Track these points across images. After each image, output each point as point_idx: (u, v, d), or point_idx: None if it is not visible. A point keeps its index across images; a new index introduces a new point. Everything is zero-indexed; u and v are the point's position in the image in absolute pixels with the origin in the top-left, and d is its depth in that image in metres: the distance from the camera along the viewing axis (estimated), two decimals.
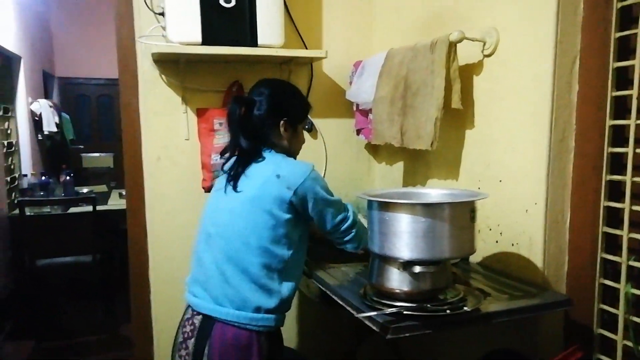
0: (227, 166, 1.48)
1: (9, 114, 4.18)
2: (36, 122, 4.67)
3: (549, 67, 1.35)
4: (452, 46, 1.53)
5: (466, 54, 1.58)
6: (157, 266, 2.03)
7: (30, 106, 4.59)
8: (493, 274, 1.50)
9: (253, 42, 1.83)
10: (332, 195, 1.44)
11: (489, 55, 1.54)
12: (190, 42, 1.78)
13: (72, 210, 3.58)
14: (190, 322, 1.39)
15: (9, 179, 3.92)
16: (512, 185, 1.48)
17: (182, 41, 1.78)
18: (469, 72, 1.61)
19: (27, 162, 4.48)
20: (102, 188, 4.61)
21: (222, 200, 1.43)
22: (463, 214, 1.16)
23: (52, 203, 3.55)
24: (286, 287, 1.39)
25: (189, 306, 1.43)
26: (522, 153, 1.44)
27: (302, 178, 1.37)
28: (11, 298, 3.51)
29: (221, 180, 1.48)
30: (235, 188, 1.40)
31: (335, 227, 1.44)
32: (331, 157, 2.19)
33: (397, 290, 1.19)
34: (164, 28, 1.86)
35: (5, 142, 3.95)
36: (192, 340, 1.36)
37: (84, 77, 6.35)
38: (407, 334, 1.11)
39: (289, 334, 2.16)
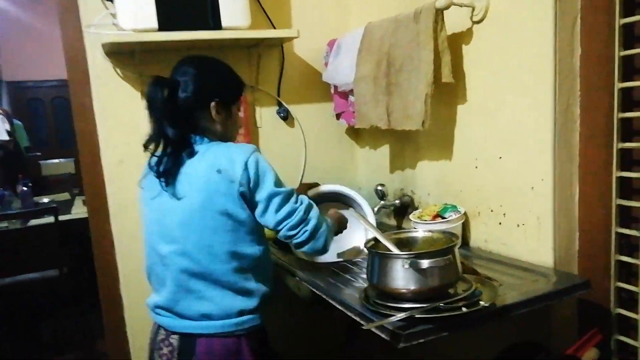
0: (153, 160, 1.26)
1: None
2: None
3: (549, 30, 1.23)
4: (439, 14, 1.39)
5: (452, 22, 1.45)
6: (128, 280, 1.85)
7: None
8: (499, 258, 1.40)
9: (216, 25, 1.66)
10: (280, 184, 1.24)
11: (478, 22, 1.41)
12: (145, 28, 1.59)
13: (33, 222, 3.32)
14: (167, 342, 1.25)
15: None
16: (514, 162, 1.36)
17: (136, 28, 1.58)
18: (456, 42, 1.48)
19: None
20: (65, 196, 4.34)
21: (165, 210, 1.23)
22: None
23: (9, 217, 3.28)
24: (264, 283, 1.28)
25: (159, 326, 1.28)
26: (524, 126, 1.32)
27: (242, 163, 1.19)
28: None
29: (153, 183, 1.26)
30: (173, 191, 1.21)
31: (280, 222, 1.22)
32: (311, 146, 2.04)
33: (404, 290, 1.06)
34: (114, 15, 1.65)
35: None
36: None
37: (34, 79, 5.95)
38: (422, 340, 0.99)
39: (277, 334, 2.02)
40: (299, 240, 1.25)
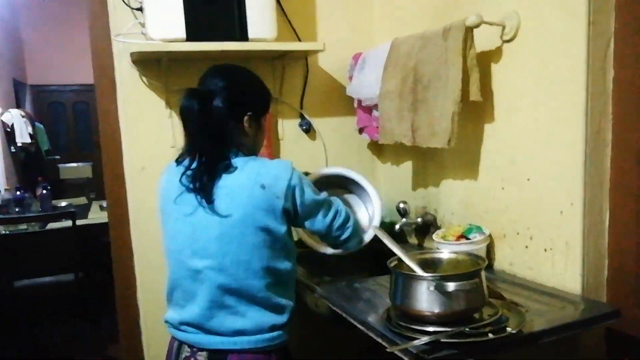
0: (185, 178, 1.22)
1: None
2: (8, 133, 4.41)
3: (581, 51, 1.21)
4: (468, 32, 1.38)
5: (481, 39, 1.43)
6: (145, 287, 1.85)
7: (1, 117, 4.34)
8: (524, 282, 1.36)
9: (243, 36, 1.66)
10: (319, 193, 1.29)
11: (509, 41, 1.39)
12: (173, 38, 1.60)
13: (51, 226, 3.35)
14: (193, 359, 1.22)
15: None
16: (543, 184, 1.33)
17: (164, 38, 1.60)
18: (485, 60, 1.46)
19: (0, 177, 4.22)
20: (82, 200, 4.38)
21: (200, 224, 1.19)
22: None
23: (29, 220, 3.32)
24: (292, 297, 1.29)
25: (181, 343, 1.25)
26: (553, 148, 1.29)
27: (287, 180, 1.20)
28: None
29: (188, 199, 1.22)
30: (212, 207, 1.17)
31: (329, 226, 1.30)
32: (332, 160, 2.03)
33: (428, 313, 1.04)
34: (142, 25, 1.67)
35: None
36: None
37: (58, 84, 6.06)
38: None
39: (294, 351, 1.99)
40: (346, 235, 1.34)
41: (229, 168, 1.20)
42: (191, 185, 1.21)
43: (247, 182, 1.18)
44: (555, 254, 1.31)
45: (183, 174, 1.22)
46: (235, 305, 1.19)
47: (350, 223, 1.34)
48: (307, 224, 1.28)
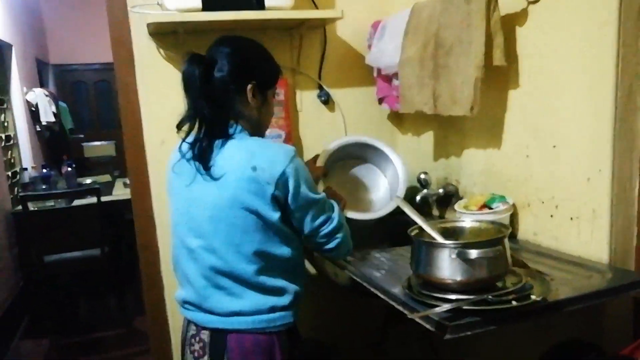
0: (184, 146, 1.21)
1: (5, 106, 4.00)
2: (33, 112, 4.49)
3: (612, 10, 1.14)
4: None
5: (505, 2, 1.38)
6: (168, 260, 1.85)
7: (26, 96, 4.41)
8: (549, 252, 1.33)
9: (259, 5, 1.63)
10: (316, 192, 1.22)
11: (534, 2, 1.33)
12: (189, 8, 1.59)
13: (76, 202, 3.43)
14: (198, 338, 1.22)
15: (9, 173, 3.77)
16: (569, 151, 1.29)
17: (180, 8, 1.58)
18: (510, 23, 1.40)
19: (27, 155, 4.32)
20: (106, 177, 4.46)
21: (195, 202, 1.18)
22: None
23: (56, 197, 3.40)
24: (296, 281, 1.25)
25: (189, 321, 1.26)
26: (581, 113, 1.24)
27: (282, 167, 1.14)
28: (23, 295, 3.41)
29: (187, 169, 1.20)
30: (207, 169, 1.15)
31: (315, 230, 1.22)
32: (351, 131, 2.00)
33: (449, 281, 1.02)
34: None
35: (3, 135, 3.78)
36: (206, 357, 1.20)
37: (79, 63, 6.12)
38: (469, 332, 0.95)
39: (311, 323, 2.01)
40: (331, 246, 1.25)
41: (227, 138, 1.18)
42: (189, 153, 1.19)
43: (240, 161, 1.14)
44: (581, 222, 1.28)
45: (183, 140, 1.21)
46: (230, 287, 1.18)
47: (340, 235, 1.25)
48: (294, 219, 1.20)
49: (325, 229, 1.23)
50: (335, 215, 1.25)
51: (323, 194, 1.25)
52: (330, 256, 1.32)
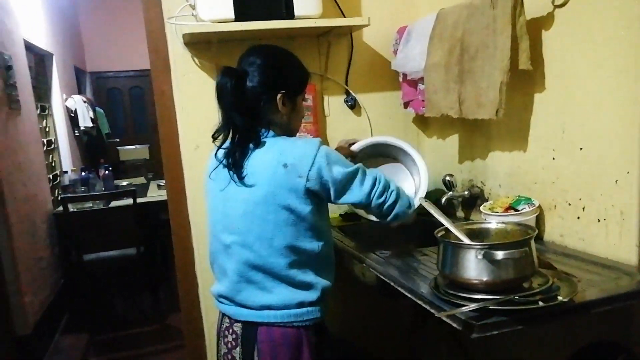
0: (220, 153, 1.28)
1: (46, 112, 4.19)
2: (72, 118, 4.68)
3: (638, 13, 1.15)
4: None
5: (531, 5, 1.39)
6: (203, 258, 1.95)
7: (66, 103, 4.60)
8: (576, 254, 1.34)
9: (289, 15, 1.69)
10: (349, 165, 1.26)
11: (560, 5, 1.34)
12: (222, 19, 1.66)
13: (114, 204, 3.57)
14: (231, 330, 1.29)
15: (51, 176, 3.94)
16: (596, 153, 1.29)
17: (214, 19, 1.65)
18: (535, 27, 1.42)
19: (66, 159, 4.50)
20: (140, 180, 4.61)
21: (229, 201, 1.26)
22: None
23: (94, 198, 3.55)
24: (325, 277, 1.29)
25: (224, 315, 1.32)
26: (608, 115, 1.25)
27: (311, 159, 1.20)
28: (63, 293, 3.57)
29: (222, 175, 1.28)
30: (241, 179, 1.22)
31: (369, 194, 1.27)
32: (377, 134, 2.03)
33: (476, 281, 1.04)
34: (193, 7, 1.73)
35: (45, 140, 3.96)
36: (238, 349, 1.26)
37: (114, 70, 6.35)
38: (496, 332, 0.97)
39: (339, 322, 2.05)
40: (391, 201, 1.29)
41: (259, 144, 1.24)
42: (224, 161, 1.26)
43: (271, 160, 1.21)
44: (609, 224, 1.28)
45: (219, 148, 1.29)
46: (262, 281, 1.23)
47: (393, 187, 1.30)
48: (345, 198, 1.26)
49: (377, 188, 1.27)
50: (379, 174, 1.30)
51: (359, 164, 1.30)
52: (396, 215, 1.32)
